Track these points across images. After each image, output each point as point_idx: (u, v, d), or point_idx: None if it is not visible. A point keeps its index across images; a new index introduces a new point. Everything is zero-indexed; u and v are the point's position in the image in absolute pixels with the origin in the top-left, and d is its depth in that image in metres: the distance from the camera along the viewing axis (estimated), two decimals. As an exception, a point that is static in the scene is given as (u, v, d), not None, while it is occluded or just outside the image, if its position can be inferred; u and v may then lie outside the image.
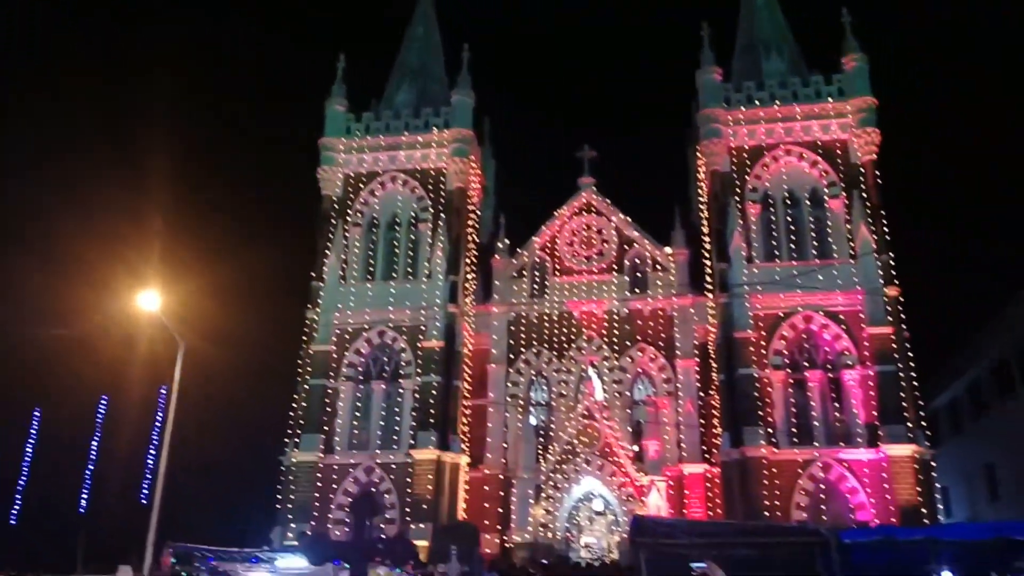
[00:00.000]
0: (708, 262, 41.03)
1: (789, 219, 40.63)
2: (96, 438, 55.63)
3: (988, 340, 40.11)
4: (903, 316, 37.39)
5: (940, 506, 38.22)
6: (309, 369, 40.79)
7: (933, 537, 13.09)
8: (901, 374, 36.28)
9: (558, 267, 44.77)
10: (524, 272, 45.08)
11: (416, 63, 48.50)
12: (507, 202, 49.89)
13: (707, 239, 41.40)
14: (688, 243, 43.90)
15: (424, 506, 37.44)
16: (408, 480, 38.28)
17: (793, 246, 39.98)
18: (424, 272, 42.23)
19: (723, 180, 40.73)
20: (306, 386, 40.53)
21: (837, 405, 37.49)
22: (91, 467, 54.89)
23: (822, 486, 35.80)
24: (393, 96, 47.30)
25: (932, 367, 43.93)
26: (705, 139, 41.45)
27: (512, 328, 43.91)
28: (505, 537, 39.08)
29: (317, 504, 38.59)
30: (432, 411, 38.97)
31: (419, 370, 40.09)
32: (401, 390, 40.69)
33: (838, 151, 40.57)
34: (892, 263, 38.09)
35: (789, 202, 40.87)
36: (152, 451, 53.59)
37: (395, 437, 40.04)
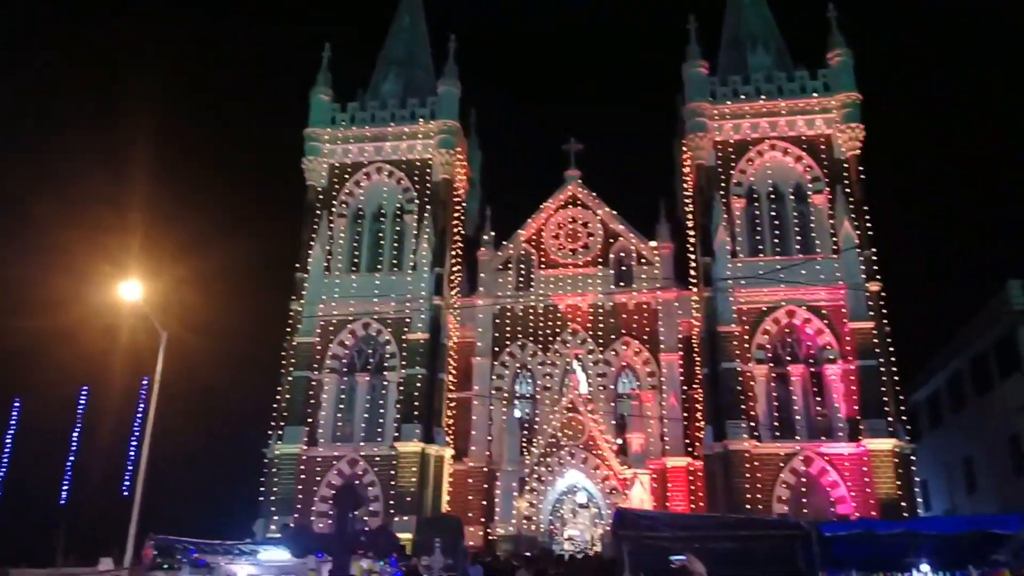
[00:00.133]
0: (692, 256, 41.14)
1: (773, 214, 40.80)
2: (77, 429, 55.23)
3: (967, 335, 40.55)
4: (885, 311, 37.70)
5: (919, 499, 38.65)
6: (293, 361, 40.59)
7: (912, 530, 13.21)
8: (882, 369, 36.57)
9: (543, 260, 44.78)
10: (509, 265, 45.07)
11: (402, 53, 48.22)
12: (493, 194, 49.99)
13: (692, 233, 41.51)
14: (673, 237, 44.04)
15: (408, 499, 37.42)
16: (392, 473, 38.23)
17: (777, 241, 40.18)
18: (409, 264, 42.10)
19: (708, 174, 40.83)
20: (290, 378, 40.34)
21: (819, 399, 37.76)
22: (72, 458, 54.51)
23: (803, 480, 36.09)
24: (379, 86, 47.02)
25: (913, 362, 44.39)
26: (691, 133, 41.51)
27: (497, 321, 43.92)
28: (489, 530, 39.18)
29: (300, 496, 38.49)
30: (416, 403, 38.91)
31: (404, 362, 40.01)
32: (385, 382, 40.61)
33: (822, 146, 40.76)
34: (874, 258, 38.36)
35: (773, 197, 41.03)
36: (134, 442, 53.21)
37: (379, 429, 39.98)
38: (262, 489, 39.28)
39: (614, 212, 45.18)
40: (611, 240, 44.60)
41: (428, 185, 43.26)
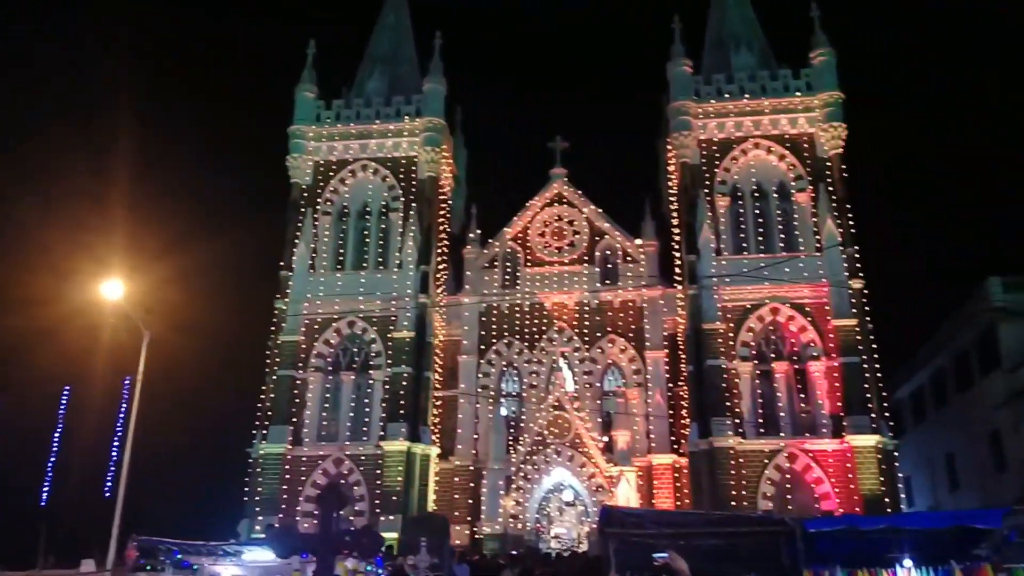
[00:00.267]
0: (677, 254, 41.27)
1: (757, 212, 41.00)
2: (58, 429, 54.68)
3: (949, 332, 40.91)
4: (868, 308, 37.97)
5: (903, 495, 38.97)
6: (277, 359, 40.36)
7: (895, 526, 13.27)
8: (865, 366, 36.83)
9: (529, 258, 44.77)
10: (495, 263, 45.02)
11: (387, 51, 48.03)
12: (479, 192, 49.93)
13: (676, 231, 41.64)
14: (658, 235, 44.15)
15: (394, 498, 37.32)
16: (378, 472, 38.12)
17: (761, 239, 40.41)
18: (395, 262, 41.97)
19: (693, 172, 40.96)
20: (274, 377, 40.11)
21: (803, 396, 38.00)
22: (53, 459, 53.97)
23: (788, 476, 36.30)
24: (364, 84, 46.81)
25: (896, 359, 44.80)
26: (675, 131, 41.62)
27: (483, 319, 43.87)
28: (475, 528, 39.14)
29: (285, 496, 38.31)
30: (402, 402, 38.80)
31: (389, 361, 39.89)
32: (371, 381, 40.47)
33: (805, 145, 40.98)
34: (857, 256, 38.63)
35: (757, 195, 41.22)
36: (116, 443, 52.73)
37: (365, 428, 39.83)
38: (246, 489, 39.07)
39: (599, 210, 45.23)
40: (597, 238, 44.66)
41: (413, 183, 43.13)
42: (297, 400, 39.89)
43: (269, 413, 39.69)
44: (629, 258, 43.92)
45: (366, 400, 40.46)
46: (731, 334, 38.19)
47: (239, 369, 46.24)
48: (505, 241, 45.23)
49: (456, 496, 40.37)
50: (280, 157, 43.91)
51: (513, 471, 38.35)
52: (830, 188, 39.61)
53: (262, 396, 40.40)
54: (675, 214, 42.09)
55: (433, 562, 23.22)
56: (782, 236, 40.21)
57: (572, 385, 40.85)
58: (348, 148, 44.16)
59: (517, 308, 43.82)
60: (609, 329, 42.79)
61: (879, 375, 37.36)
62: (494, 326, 43.75)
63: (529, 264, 44.61)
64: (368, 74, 47.21)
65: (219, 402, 48.41)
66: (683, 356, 39.79)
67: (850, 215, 39.30)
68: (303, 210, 42.90)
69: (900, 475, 37.99)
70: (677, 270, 41.30)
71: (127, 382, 50.40)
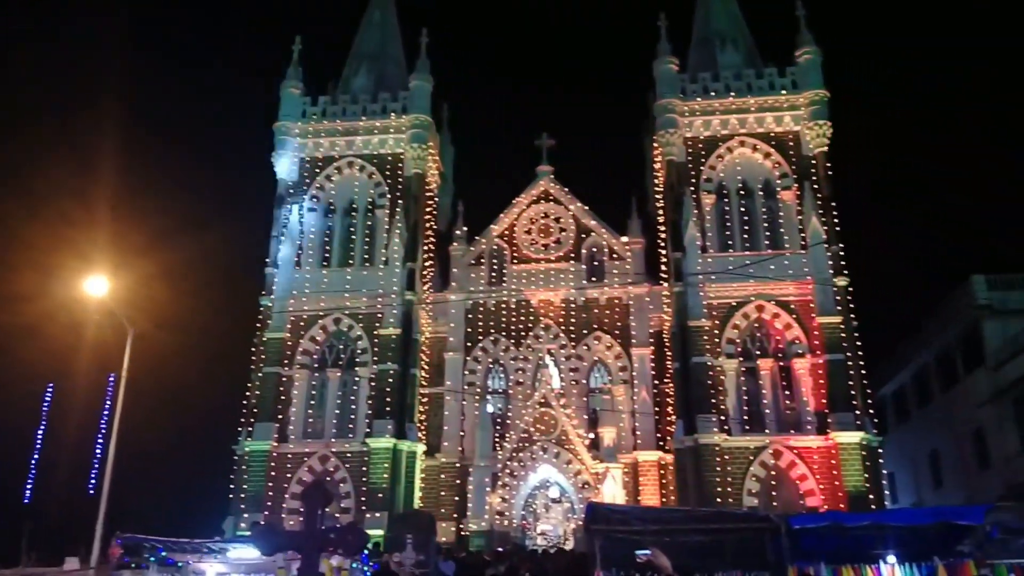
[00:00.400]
0: (663, 251, 41.37)
1: (742, 210, 41.16)
2: (42, 426, 54.12)
3: (933, 330, 41.26)
4: (852, 306, 38.20)
5: (887, 492, 39.26)
6: (263, 356, 40.17)
7: (879, 522, 13.35)
8: (850, 363, 37.05)
9: (516, 255, 44.75)
10: (482, 260, 44.97)
11: (373, 47, 47.85)
12: (465, 189, 49.90)
13: (662, 229, 41.74)
14: (644, 232, 44.21)
15: (380, 495, 37.25)
16: (364, 469, 38.03)
17: (746, 236, 40.58)
18: (381, 259, 41.85)
19: (679, 170, 41.07)
20: (260, 374, 39.92)
21: (788, 393, 38.20)
22: (37, 456, 53.42)
23: (773, 473, 36.50)
24: (350, 80, 46.63)
25: (880, 356, 45.13)
26: (661, 129, 41.71)
27: (469, 316, 43.82)
28: (461, 525, 39.11)
29: (271, 494, 38.16)
30: (388, 399, 38.73)
31: (375, 358, 39.80)
32: (357, 378, 40.36)
33: (790, 143, 41.18)
34: (842, 254, 38.85)
35: (743, 193, 41.38)
36: (100, 440, 52.16)
37: (351, 425, 39.72)
38: (232, 486, 38.89)
39: (586, 207, 45.25)
40: (583, 235, 44.69)
41: (400, 180, 43.02)
42: (283, 397, 39.72)
43: (254, 410, 39.51)
44: (615, 255, 43.98)
45: (352, 397, 40.35)
46: (716, 331, 38.34)
47: (224, 366, 46.12)
48: (491, 238, 45.18)
49: (442, 493, 40.34)
50: (266, 153, 43.71)
51: (499, 468, 38.36)
52: (815, 186, 39.81)
53: (247, 393, 40.21)
54: (661, 212, 42.19)
55: (419, 559, 23.22)
56: (767, 234, 40.38)
57: (558, 382, 40.90)
58: (334, 145, 43.98)
59: (503, 305, 43.80)
60: (595, 326, 42.85)
61: (863, 372, 37.61)
62: (480, 323, 43.71)
63: (515, 261, 44.59)
64: (354, 71, 47.04)
65: (204, 399, 48.23)
66: (669, 353, 39.90)
67: (835, 213, 39.53)
68: (289, 207, 42.69)
69: (884, 472, 38.27)
70: (663, 267, 41.40)
71: (111, 379, 49.91)
